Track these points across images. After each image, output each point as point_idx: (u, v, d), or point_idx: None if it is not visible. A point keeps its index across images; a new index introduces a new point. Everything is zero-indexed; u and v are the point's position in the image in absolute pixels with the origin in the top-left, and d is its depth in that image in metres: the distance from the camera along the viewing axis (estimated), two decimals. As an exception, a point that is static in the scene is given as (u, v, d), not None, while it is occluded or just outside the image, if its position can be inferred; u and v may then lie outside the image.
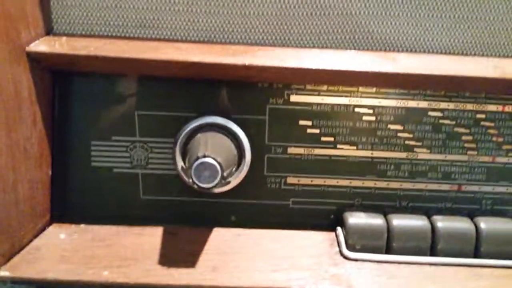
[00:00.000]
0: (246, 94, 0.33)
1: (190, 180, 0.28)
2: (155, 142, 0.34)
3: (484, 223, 0.34)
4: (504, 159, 0.35)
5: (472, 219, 0.35)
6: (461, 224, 0.34)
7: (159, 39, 0.30)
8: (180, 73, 0.30)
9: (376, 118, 0.34)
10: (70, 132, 0.33)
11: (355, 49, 0.31)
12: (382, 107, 0.34)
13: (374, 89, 0.33)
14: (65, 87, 0.32)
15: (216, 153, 0.28)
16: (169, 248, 0.33)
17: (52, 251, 0.32)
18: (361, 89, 0.33)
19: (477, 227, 0.34)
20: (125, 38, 0.30)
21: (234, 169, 0.32)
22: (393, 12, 0.31)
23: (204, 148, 0.28)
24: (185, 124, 0.33)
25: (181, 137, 0.32)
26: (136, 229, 0.34)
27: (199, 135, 0.31)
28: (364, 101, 0.34)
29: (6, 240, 0.30)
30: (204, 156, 0.28)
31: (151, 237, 0.34)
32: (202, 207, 0.35)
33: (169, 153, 0.34)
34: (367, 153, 0.35)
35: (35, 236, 0.33)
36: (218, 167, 0.28)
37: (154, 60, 0.28)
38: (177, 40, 0.30)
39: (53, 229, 0.34)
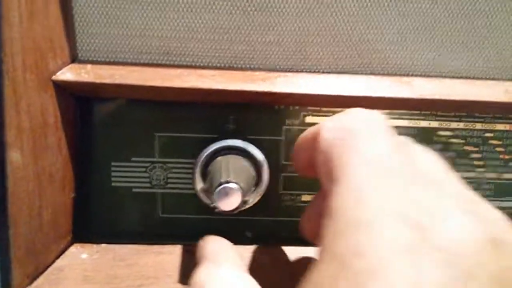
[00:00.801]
0: (263, 116, 0.34)
1: (212, 205, 0.29)
2: (173, 162, 0.35)
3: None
4: (510, 176, 0.37)
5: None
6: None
7: (183, 66, 0.31)
8: (204, 99, 0.31)
9: (389, 137, 0.35)
10: (91, 154, 0.34)
11: (371, 74, 0.32)
12: (395, 127, 0.35)
13: (387, 110, 0.34)
14: (87, 112, 0.33)
15: (238, 177, 0.29)
16: (188, 265, 0.34)
17: (75, 272, 0.33)
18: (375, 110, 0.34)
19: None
20: (149, 65, 0.31)
21: (253, 189, 0.33)
22: (408, 38, 0.32)
23: (226, 172, 0.29)
24: (203, 145, 0.33)
25: (201, 159, 0.33)
26: (156, 248, 0.35)
27: (219, 158, 0.32)
28: (377, 122, 0.35)
29: (31, 262, 0.31)
30: (227, 182, 0.28)
31: (170, 255, 0.35)
32: (218, 225, 0.36)
33: (187, 173, 0.35)
34: (380, 172, 0.36)
35: (58, 257, 0.33)
36: (240, 192, 0.28)
37: (179, 88, 0.29)
38: (200, 67, 0.31)
39: (74, 249, 0.34)
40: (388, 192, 0.17)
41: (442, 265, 0.14)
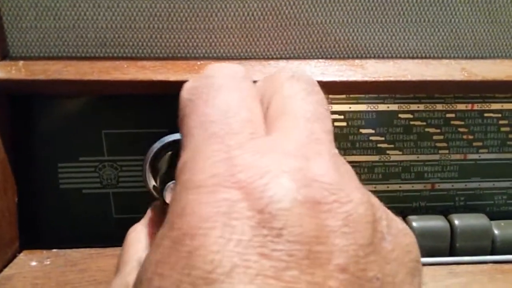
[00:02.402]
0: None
1: (162, 200, 0.27)
2: (124, 160, 0.33)
3: (458, 220, 0.34)
4: (475, 156, 0.36)
5: (446, 216, 0.35)
6: (435, 222, 0.34)
7: (122, 58, 0.29)
8: (145, 91, 0.29)
9: (347, 123, 0.34)
10: (34, 156, 0.32)
11: (322, 58, 0.31)
12: (353, 112, 0.34)
13: (344, 95, 0.33)
14: (25, 111, 0.31)
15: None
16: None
17: (24, 280, 0.31)
18: (330, 95, 0.33)
19: (451, 224, 0.34)
20: (85, 58, 0.29)
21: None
22: (358, 20, 0.30)
23: (174, 168, 0.28)
24: (153, 141, 0.32)
25: (150, 156, 0.31)
26: (110, 250, 0.33)
27: (169, 153, 0.30)
28: (335, 107, 0.33)
29: (-26, 273, 0.29)
30: (175, 178, 0.27)
31: (126, 257, 0.33)
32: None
33: (139, 170, 0.33)
34: (340, 159, 0.34)
35: (5, 265, 0.32)
36: (190, 188, 0.27)
37: (116, 81, 0.27)
38: (140, 58, 0.29)
39: (23, 256, 0.33)
40: (217, 154, 0.17)
41: (254, 226, 0.15)
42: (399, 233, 0.18)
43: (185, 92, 0.21)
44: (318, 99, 0.21)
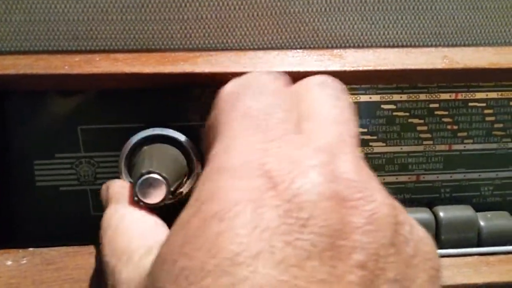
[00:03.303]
0: (190, 100, 0.31)
1: (136, 198, 0.26)
2: (101, 156, 0.33)
3: (443, 212, 0.34)
4: (460, 147, 0.35)
5: (431, 208, 0.34)
6: (420, 214, 0.34)
7: (94, 51, 0.28)
8: (118, 85, 0.28)
9: (329, 115, 0.33)
10: (9, 154, 0.32)
11: (300, 48, 0.30)
12: (334, 103, 0.33)
13: (324, 86, 0.32)
14: (-2, 107, 0.31)
15: (163, 167, 0.27)
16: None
17: (-1, 280, 0.30)
18: (311, 86, 0.32)
19: (436, 217, 0.34)
20: (57, 52, 0.28)
21: (185, 179, 0.31)
22: (337, 8, 0.30)
23: (149, 163, 0.27)
24: (130, 136, 0.31)
25: (126, 151, 0.30)
26: (88, 248, 0.33)
27: (144, 148, 0.29)
28: (316, 99, 0.33)
29: None
30: (149, 172, 0.26)
31: (105, 255, 0.32)
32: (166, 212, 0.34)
33: (117, 166, 0.32)
34: (323, 151, 0.34)
35: (-20, 266, 0.31)
36: (165, 182, 0.26)
37: (89, 75, 0.27)
38: (113, 51, 0.29)
39: (-1, 256, 0.32)
40: (252, 144, 0.18)
41: (282, 214, 0.16)
42: (421, 240, 0.19)
43: (229, 86, 0.23)
44: (345, 104, 0.22)
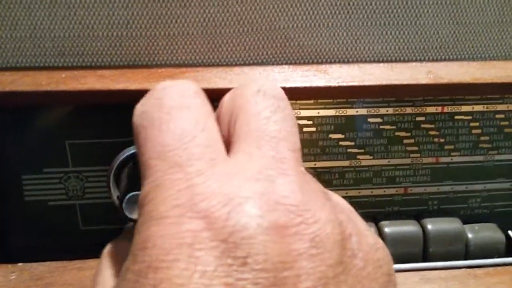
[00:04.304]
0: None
1: (123, 215, 0.26)
2: (89, 171, 0.33)
3: (431, 224, 0.34)
4: (447, 159, 0.35)
5: (419, 221, 0.35)
6: (408, 227, 0.34)
7: (80, 67, 0.29)
8: (104, 101, 0.28)
9: (317, 128, 0.33)
10: (-4, 169, 0.32)
11: (286, 64, 0.30)
12: (322, 117, 0.33)
13: (312, 101, 0.33)
14: (-15, 123, 0.31)
15: (150, 183, 0.27)
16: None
17: (-13, 296, 0.30)
18: (298, 101, 0.33)
19: (423, 229, 0.34)
20: (43, 68, 0.28)
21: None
22: (322, 24, 0.30)
23: (135, 180, 0.27)
24: (118, 151, 0.31)
25: (114, 167, 0.31)
26: (77, 263, 0.33)
27: (131, 164, 0.30)
28: (303, 113, 0.33)
29: None
30: (135, 189, 0.26)
31: (92, 270, 0.32)
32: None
33: (105, 181, 0.33)
34: (310, 164, 0.34)
35: (-32, 281, 0.31)
36: (151, 199, 0.26)
37: (74, 91, 0.27)
38: (99, 67, 0.29)
39: (-13, 271, 0.32)
40: (178, 185, 0.17)
41: (219, 256, 0.15)
42: (370, 249, 0.18)
43: (136, 118, 0.20)
44: (284, 115, 0.20)
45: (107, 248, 0.25)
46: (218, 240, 0.15)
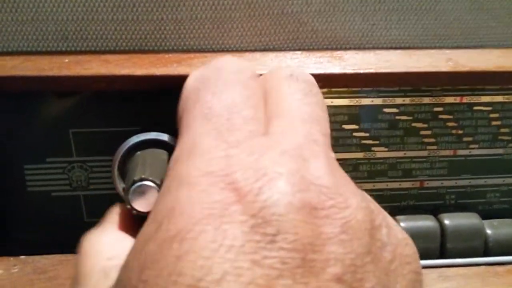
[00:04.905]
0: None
1: (128, 206, 0.25)
2: (94, 161, 0.32)
3: (448, 220, 0.33)
4: (465, 152, 0.34)
5: (436, 215, 0.33)
6: (424, 222, 0.33)
7: (84, 52, 0.28)
8: (109, 87, 0.27)
9: (330, 119, 0.32)
10: (-1, 158, 0.31)
11: (299, 49, 0.29)
12: (335, 106, 0.32)
13: (325, 89, 0.31)
14: (-14, 111, 0.30)
15: (156, 174, 0.26)
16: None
17: (-12, 290, 0.29)
18: (311, 89, 0.31)
19: (441, 224, 0.33)
20: (46, 53, 0.27)
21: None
22: (337, 8, 0.29)
23: (142, 169, 0.26)
24: (124, 140, 0.30)
25: (118, 157, 0.29)
26: (81, 256, 0.32)
27: (137, 153, 0.28)
28: (316, 102, 0.32)
29: None
30: (142, 179, 0.25)
31: (98, 263, 0.31)
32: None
33: (110, 171, 0.32)
34: (323, 156, 0.33)
35: (-32, 274, 0.30)
36: (158, 190, 0.25)
37: (78, 77, 0.26)
38: (104, 52, 0.28)
39: (-12, 264, 0.31)
40: (214, 152, 0.17)
41: (247, 231, 0.14)
42: (399, 243, 0.17)
43: (191, 79, 0.21)
44: (316, 100, 0.21)
45: (86, 238, 0.24)
46: (247, 215, 0.15)
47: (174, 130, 0.29)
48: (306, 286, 0.14)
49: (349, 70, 0.28)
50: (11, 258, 0.31)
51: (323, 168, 0.17)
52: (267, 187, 0.15)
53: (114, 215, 0.26)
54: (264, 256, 0.14)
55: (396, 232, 0.18)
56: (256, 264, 0.14)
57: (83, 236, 0.24)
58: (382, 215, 0.18)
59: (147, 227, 0.16)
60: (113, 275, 0.18)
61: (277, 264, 0.14)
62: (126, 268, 0.16)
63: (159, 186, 0.26)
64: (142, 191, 0.25)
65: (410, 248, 0.18)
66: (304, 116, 0.19)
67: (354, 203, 0.16)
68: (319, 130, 0.19)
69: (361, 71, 0.28)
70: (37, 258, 0.32)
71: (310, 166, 0.17)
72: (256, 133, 0.18)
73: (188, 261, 0.14)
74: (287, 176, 0.16)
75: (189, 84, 0.21)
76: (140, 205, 0.26)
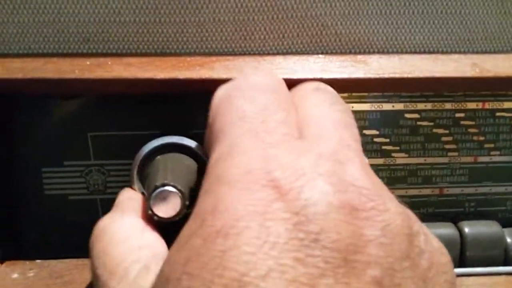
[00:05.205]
0: (207, 108, 0.30)
1: (150, 212, 0.25)
2: (112, 164, 0.31)
3: (468, 227, 0.32)
4: (486, 159, 0.34)
5: (455, 223, 0.33)
6: (444, 230, 0.32)
7: (106, 54, 0.27)
8: (131, 90, 0.27)
9: (350, 124, 0.32)
10: (16, 161, 0.30)
11: (322, 53, 0.29)
12: (356, 111, 0.32)
13: (346, 94, 0.31)
14: (4, 113, 0.29)
15: (178, 179, 0.26)
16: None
17: (4, 294, 0.29)
18: (333, 94, 0.31)
19: (461, 232, 0.32)
20: (67, 55, 0.27)
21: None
22: (361, 11, 0.28)
23: (163, 174, 0.26)
24: (143, 144, 0.30)
25: (138, 161, 0.29)
26: (97, 261, 0.31)
27: (158, 157, 0.28)
28: (336, 107, 0.31)
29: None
30: (163, 185, 0.25)
31: (114, 268, 0.31)
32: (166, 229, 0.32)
33: (128, 175, 0.31)
34: (343, 162, 0.32)
35: (-16, 279, 0.30)
36: (179, 195, 0.25)
37: (99, 79, 0.26)
38: (126, 54, 0.27)
39: (4, 268, 0.31)
40: (252, 151, 0.17)
41: (291, 228, 0.14)
42: (436, 252, 0.17)
43: (221, 89, 0.22)
44: (344, 108, 0.21)
45: (105, 223, 0.24)
46: (290, 212, 0.15)
47: (193, 134, 0.29)
48: (347, 286, 0.14)
49: (373, 74, 0.27)
50: (27, 262, 0.31)
51: (359, 171, 0.17)
52: (308, 187, 0.15)
53: (130, 201, 0.26)
54: (307, 254, 0.14)
55: (432, 240, 0.18)
56: (299, 262, 0.14)
57: (100, 220, 0.24)
58: (419, 222, 0.18)
59: (190, 224, 0.16)
60: (154, 269, 0.18)
61: (320, 263, 0.14)
62: (169, 261, 0.16)
63: (181, 192, 0.25)
64: (164, 197, 0.25)
65: (445, 257, 0.18)
66: (335, 122, 0.20)
67: (392, 207, 0.16)
68: (351, 136, 0.19)
69: (386, 76, 0.27)
70: (53, 262, 0.31)
71: (347, 169, 0.17)
72: (290, 136, 0.18)
73: (232, 255, 0.14)
74: (326, 177, 0.16)
75: (219, 93, 0.21)
76: (161, 210, 0.25)
